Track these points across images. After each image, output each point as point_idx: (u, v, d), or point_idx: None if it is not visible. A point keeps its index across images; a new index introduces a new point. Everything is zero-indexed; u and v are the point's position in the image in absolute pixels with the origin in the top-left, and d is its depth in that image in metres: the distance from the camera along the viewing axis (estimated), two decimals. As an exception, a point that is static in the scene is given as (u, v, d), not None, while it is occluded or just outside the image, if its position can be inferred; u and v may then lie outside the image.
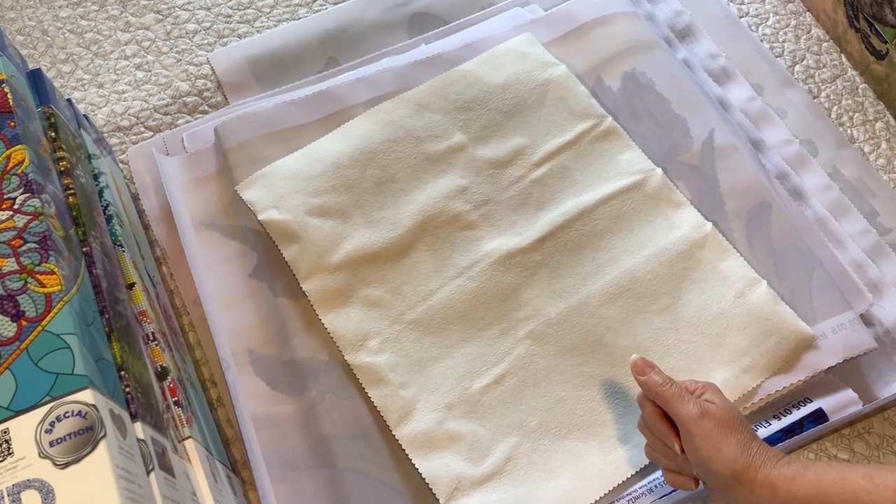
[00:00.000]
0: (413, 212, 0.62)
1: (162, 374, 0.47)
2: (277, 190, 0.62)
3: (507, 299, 0.59)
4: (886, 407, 0.58)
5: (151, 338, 0.48)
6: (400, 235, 0.61)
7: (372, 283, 0.60)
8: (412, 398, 0.56)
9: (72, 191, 0.44)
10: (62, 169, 0.44)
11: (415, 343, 0.58)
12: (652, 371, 0.49)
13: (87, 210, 0.44)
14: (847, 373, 0.57)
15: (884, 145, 0.69)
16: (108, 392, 0.35)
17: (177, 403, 0.47)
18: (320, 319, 0.58)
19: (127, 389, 0.38)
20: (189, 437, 0.46)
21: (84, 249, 0.41)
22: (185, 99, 0.70)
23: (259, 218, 0.61)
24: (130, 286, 0.49)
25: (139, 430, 0.38)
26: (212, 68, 0.72)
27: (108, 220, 0.52)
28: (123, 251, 0.51)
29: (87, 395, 0.33)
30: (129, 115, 0.70)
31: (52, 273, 0.36)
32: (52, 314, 0.35)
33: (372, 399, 0.56)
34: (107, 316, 0.40)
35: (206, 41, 0.73)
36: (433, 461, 0.54)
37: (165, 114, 0.70)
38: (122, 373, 0.38)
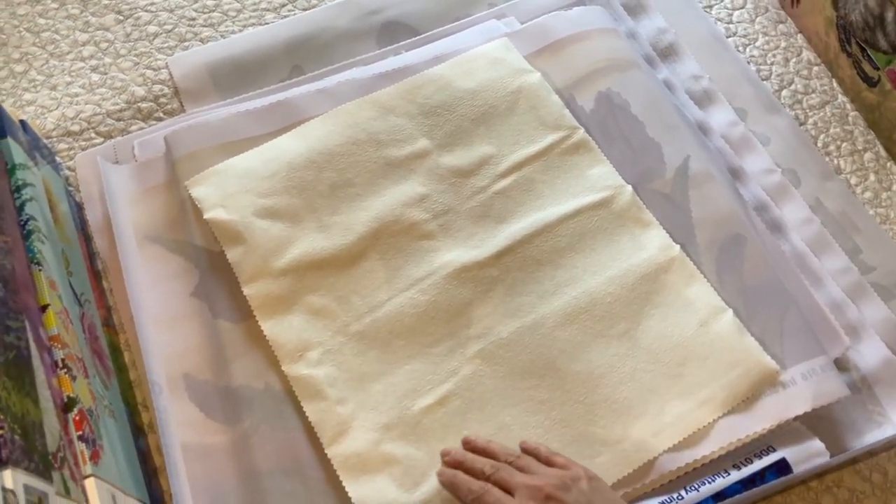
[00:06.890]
0: (368, 218, 0.59)
1: (68, 406, 0.44)
2: (227, 188, 0.59)
3: (458, 315, 0.56)
4: (858, 459, 0.53)
5: (60, 365, 0.45)
6: (352, 242, 0.58)
7: (318, 290, 0.57)
8: (349, 415, 0.52)
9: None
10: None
11: (357, 357, 0.55)
12: None
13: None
14: (818, 420, 0.52)
15: (872, 177, 0.65)
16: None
17: (81, 438, 0.43)
18: (260, 340, 0.55)
19: (0, 433, 0.35)
20: (90, 476, 0.42)
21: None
22: (139, 104, 0.67)
23: (205, 216, 0.58)
24: (44, 308, 0.46)
25: (8, 478, 0.35)
26: (170, 73, 0.69)
27: (28, 235, 0.49)
28: (40, 270, 0.48)
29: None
30: (80, 119, 0.66)
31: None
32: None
33: (307, 414, 0.52)
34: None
35: (166, 44, 0.70)
36: (364, 485, 0.50)
37: (118, 119, 0.67)
38: (-2, 414, 0.36)
